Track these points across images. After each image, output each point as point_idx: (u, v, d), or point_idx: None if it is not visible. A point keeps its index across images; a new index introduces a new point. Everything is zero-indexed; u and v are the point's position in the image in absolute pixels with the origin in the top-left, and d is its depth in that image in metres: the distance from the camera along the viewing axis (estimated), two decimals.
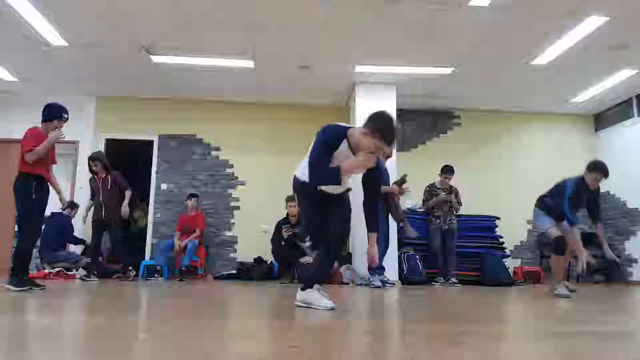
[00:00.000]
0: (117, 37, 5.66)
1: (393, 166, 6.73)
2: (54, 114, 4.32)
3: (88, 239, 6.56)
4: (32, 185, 4.16)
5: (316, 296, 2.91)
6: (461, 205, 6.64)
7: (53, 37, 5.61)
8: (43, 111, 4.36)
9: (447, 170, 6.60)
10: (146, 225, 7.65)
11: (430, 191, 6.62)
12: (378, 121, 2.82)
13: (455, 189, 6.65)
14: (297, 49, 5.94)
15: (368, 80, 6.90)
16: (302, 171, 3.03)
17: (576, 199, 4.44)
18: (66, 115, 4.37)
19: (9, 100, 7.51)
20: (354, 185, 3.28)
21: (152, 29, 5.48)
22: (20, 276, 4.09)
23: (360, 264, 6.40)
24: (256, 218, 7.42)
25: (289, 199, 6.42)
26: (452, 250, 6.42)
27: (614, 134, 7.75)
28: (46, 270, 6.16)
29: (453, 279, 6.28)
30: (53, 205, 6.97)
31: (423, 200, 6.71)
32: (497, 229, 7.09)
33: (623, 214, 7.47)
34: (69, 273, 6.47)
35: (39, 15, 5.13)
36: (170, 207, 7.56)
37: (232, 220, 7.60)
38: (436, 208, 6.51)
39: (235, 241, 7.54)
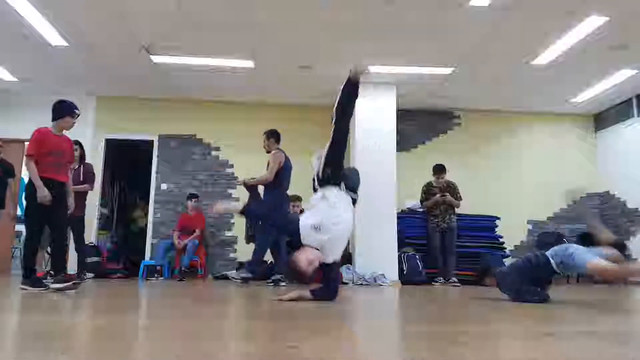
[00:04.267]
0: (117, 37, 5.65)
1: (393, 166, 6.74)
2: (65, 111, 4.25)
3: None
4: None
5: None
6: (461, 199, 6.58)
7: (53, 37, 5.61)
8: (53, 109, 4.27)
9: (437, 171, 6.62)
10: (146, 225, 7.65)
11: (427, 190, 6.61)
12: None
13: (453, 184, 6.62)
14: (297, 49, 5.94)
15: (368, 80, 6.88)
16: None
17: None
18: (77, 112, 4.32)
19: (8, 100, 7.51)
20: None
21: (152, 29, 5.48)
22: (32, 276, 4.10)
23: (360, 264, 6.41)
24: None
25: (293, 199, 6.42)
26: (451, 250, 6.39)
27: (614, 134, 7.74)
28: (45, 270, 6.14)
29: (453, 279, 6.28)
30: None
31: (421, 201, 6.70)
32: (497, 229, 7.09)
33: (623, 214, 7.47)
34: (69, 273, 6.45)
35: (39, 15, 5.13)
36: (170, 207, 7.56)
37: (232, 220, 7.59)
38: (434, 207, 6.50)
39: (235, 241, 7.54)
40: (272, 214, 5.01)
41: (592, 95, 7.24)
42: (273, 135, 5.70)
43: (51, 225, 4.22)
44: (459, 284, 6.18)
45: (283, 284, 5.37)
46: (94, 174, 6.03)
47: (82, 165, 5.87)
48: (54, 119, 4.27)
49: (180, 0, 4.84)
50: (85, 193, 5.81)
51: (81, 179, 5.76)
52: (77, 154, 5.69)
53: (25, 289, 3.98)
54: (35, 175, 4.06)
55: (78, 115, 4.34)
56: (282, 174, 5.50)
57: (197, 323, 2.36)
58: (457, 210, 7.16)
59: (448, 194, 6.50)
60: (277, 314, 2.92)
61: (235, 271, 5.52)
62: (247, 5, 4.91)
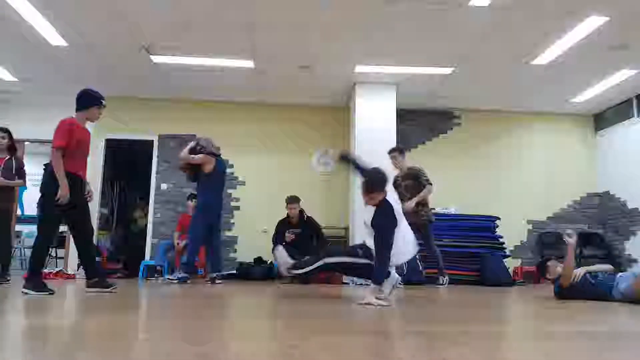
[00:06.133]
0: (117, 37, 5.66)
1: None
2: (92, 101, 4.00)
3: None
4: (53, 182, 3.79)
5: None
6: (429, 184, 5.55)
7: (53, 37, 5.61)
8: (78, 99, 4.00)
9: (389, 152, 5.81)
10: (146, 225, 7.65)
11: (394, 184, 5.80)
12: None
13: (414, 170, 5.67)
14: (297, 49, 5.94)
15: (368, 80, 6.90)
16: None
17: None
18: (104, 102, 4.07)
19: (8, 100, 7.52)
20: None
21: (152, 29, 5.48)
22: (37, 279, 3.79)
23: None
24: (256, 218, 7.42)
25: (290, 200, 6.41)
26: (427, 247, 5.59)
27: (614, 134, 7.75)
28: (46, 270, 6.15)
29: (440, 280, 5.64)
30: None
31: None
32: (497, 229, 7.09)
33: (623, 214, 7.48)
34: (69, 273, 6.48)
35: (39, 15, 5.13)
36: (170, 207, 7.56)
37: (232, 220, 7.60)
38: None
39: (235, 241, 7.54)
40: (201, 215, 5.65)
41: (592, 95, 7.24)
42: None
43: (80, 227, 4.00)
44: (441, 285, 5.68)
45: (219, 281, 5.69)
46: (24, 170, 5.57)
47: (13, 158, 5.43)
48: (78, 110, 3.99)
49: (181, 0, 4.85)
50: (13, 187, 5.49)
51: (13, 173, 5.36)
52: (5, 142, 5.37)
53: (28, 294, 3.69)
54: (62, 171, 3.74)
55: (105, 106, 4.11)
56: (214, 176, 5.78)
57: (197, 323, 2.36)
58: (459, 210, 7.11)
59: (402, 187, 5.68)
60: (277, 314, 2.92)
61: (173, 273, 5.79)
62: (247, 5, 4.91)
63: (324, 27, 5.36)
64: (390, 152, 5.83)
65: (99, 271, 4.10)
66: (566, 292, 4.07)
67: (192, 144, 5.82)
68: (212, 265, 5.84)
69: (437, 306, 3.56)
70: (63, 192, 3.73)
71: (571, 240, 4.06)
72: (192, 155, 5.73)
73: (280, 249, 4.04)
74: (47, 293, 3.71)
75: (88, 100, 4.01)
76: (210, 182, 5.77)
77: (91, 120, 4.09)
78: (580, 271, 4.08)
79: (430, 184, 5.56)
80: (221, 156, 6.06)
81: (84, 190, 4.05)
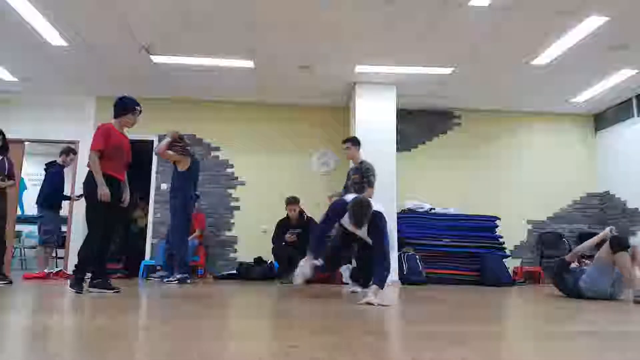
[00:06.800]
0: (117, 37, 5.65)
1: (393, 166, 6.75)
2: (127, 107, 4.25)
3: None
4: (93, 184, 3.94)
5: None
6: (370, 186, 5.18)
7: (53, 37, 5.61)
8: (115, 106, 4.25)
9: (344, 141, 5.63)
10: (146, 225, 7.66)
11: (348, 174, 5.61)
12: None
13: (364, 166, 5.35)
14: (297, 49, 5.94)
15: (368, 80, 6.90)
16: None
17: None
18: (139, 108, 4.29)
19: (8, 100, 7.52)
20: None
21: (152, 29, 5.48)
22: (78, 275, 3.97)
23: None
24: (256, 218, 7.42)
25: (289, 201, 6.41)
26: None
27: (614, 134, 7.74)
28: (46, 270, 6.15)
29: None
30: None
31: None
32: (497, 229, 7.09)
33: (623, 214, 7.48)
34: (69, 273, 6.45)
35: (39, 15, 5.13)
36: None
37: (232, 220, 7.60)
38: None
39: (235, 241, 7.54)
40: (177, 215, 5.71)
41: (592, 95, 7.23)
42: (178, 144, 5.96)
43: (108, 227, 4.13)
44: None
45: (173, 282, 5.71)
46: (13, 171, 5.64)
47: (5, 158, 5.44)
48: (116, 116, 4.24)
49: (181, 0, 4.84)
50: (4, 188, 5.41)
51: (6, 173, 5.38)
52: None
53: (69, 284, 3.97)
54: (99, 172, 3.93)
55: (140, 112, 4.30)
56: (190, 175, 5.86)
57: (197, 323, 2.36)
58: (459, 210, 7.08)
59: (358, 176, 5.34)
60: (277, 314, 2.92)
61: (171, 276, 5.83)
62: (247, 5, 4.91)
63: (324, 27, 5.36)
64: (345, 142, 5.69)
65: (104, 272, 4.19)
66: (562, 273, 4.48)
67: (170, 139, 5.76)
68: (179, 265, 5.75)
69: (437, 306, 3.56)
70: (102, 191, 3.90)
71: (607, 232, 4.39)
72: (169, 151, 5.77)
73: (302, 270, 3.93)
74: (76, 291, 3.89)
75: (123, 108, 4.26)
76: (187, 180, 5.83)
77: (128, 126, 4.31)
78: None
79: (371, 187, 5.14)
80: (196, 155, 6.22)
81: (122, 194, 4.20)
